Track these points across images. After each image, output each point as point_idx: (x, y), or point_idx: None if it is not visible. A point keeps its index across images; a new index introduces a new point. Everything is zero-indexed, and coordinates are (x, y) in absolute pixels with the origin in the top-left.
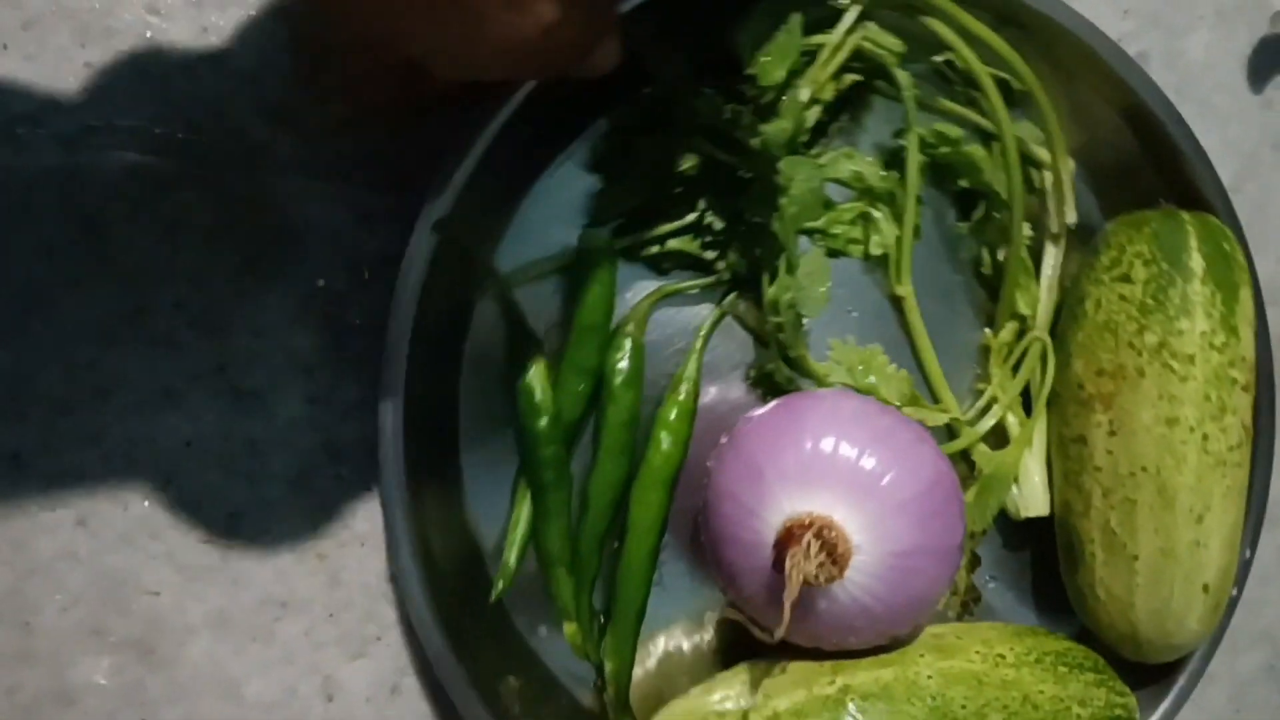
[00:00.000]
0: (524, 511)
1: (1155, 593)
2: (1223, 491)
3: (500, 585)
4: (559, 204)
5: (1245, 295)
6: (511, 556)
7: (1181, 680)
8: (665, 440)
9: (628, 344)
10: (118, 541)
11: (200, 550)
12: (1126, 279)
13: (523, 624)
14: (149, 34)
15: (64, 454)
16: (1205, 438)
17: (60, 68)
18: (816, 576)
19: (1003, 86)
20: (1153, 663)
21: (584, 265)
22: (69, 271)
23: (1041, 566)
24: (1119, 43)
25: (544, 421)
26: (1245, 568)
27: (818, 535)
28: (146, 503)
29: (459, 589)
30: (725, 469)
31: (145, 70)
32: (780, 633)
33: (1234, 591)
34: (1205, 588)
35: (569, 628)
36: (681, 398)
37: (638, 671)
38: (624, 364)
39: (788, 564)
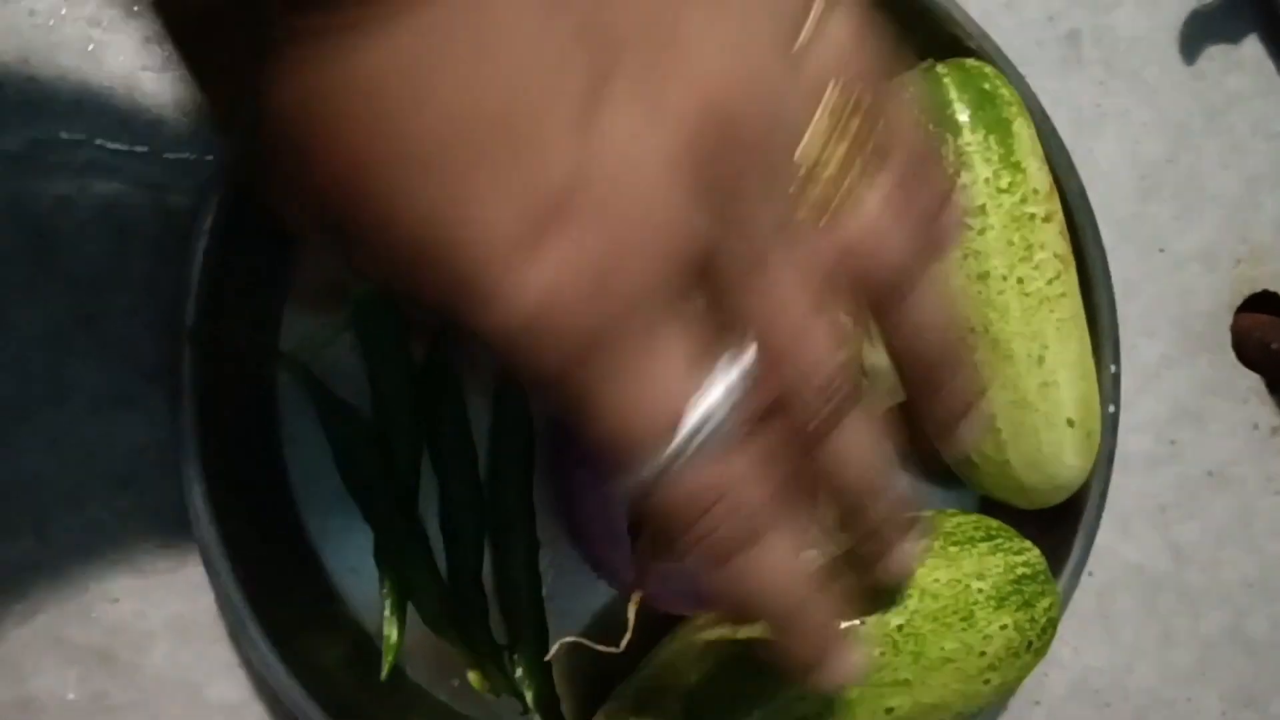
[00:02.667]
0: (391, 576)
1: (1023, 443)
2: (1054, 327)
3: (388, 662)
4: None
5: (1020, 128)
6: (393, 631)
7: (1088, 510)
8: (507, 450)
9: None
10: (76, 548)
11: (159, 555)
12: None
13: (435, 683)
14: (91, 47)
15: (20, 461)
16: (1020, 281)
17: (3, 83)
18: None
19: None
20: (1052, 505)
21: (364, 314)
22: (20, 280)
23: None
24: (1048, 21)
25: (377, 488)
26: (1115, 381)
27: None
28: (104, 508)
29: (351, 678)
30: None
31: (88, 83)
32: (627, 637)
33: (1110, 409)
34: (1070, 422)
35: (473, 675)
36: (509, 401)
37: (566, 687)
38: (442, 391)
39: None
